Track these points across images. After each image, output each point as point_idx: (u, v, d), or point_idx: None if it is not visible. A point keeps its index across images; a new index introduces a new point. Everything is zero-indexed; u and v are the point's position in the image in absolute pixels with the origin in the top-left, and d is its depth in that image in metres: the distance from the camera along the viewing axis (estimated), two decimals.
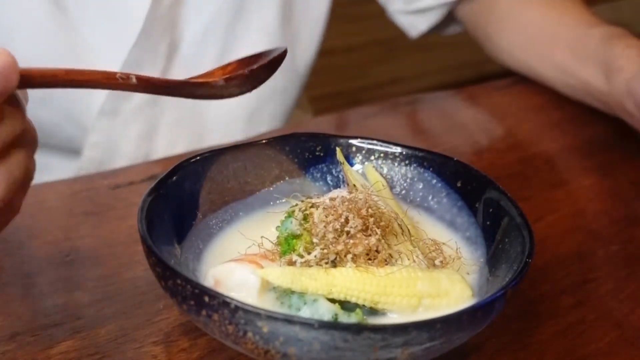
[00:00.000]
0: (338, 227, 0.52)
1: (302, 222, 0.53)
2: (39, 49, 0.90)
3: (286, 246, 0.52)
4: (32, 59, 0.91)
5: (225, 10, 0.95)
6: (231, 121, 1.02)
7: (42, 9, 0.87)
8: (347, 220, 0.52)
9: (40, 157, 0.99)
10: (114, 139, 0.95)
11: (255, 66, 0.58)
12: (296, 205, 0.54)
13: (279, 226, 0.54)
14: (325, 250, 0.51)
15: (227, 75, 0.57)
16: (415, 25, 1.11)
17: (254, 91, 1.08)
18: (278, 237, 0.54)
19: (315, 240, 0.51)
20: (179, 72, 0.95)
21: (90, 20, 0.90)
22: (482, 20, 1.08)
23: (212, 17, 0.95)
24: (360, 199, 0.54)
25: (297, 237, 0.52)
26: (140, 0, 0.89)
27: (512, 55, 1.05)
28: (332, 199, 0.54)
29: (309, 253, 0.51)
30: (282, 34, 1.01)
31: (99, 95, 0.92)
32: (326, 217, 0.52)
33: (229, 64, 0.59)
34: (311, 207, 0.53)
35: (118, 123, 0.94)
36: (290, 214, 0.54)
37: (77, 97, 0.93)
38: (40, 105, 0.92)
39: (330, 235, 0.51)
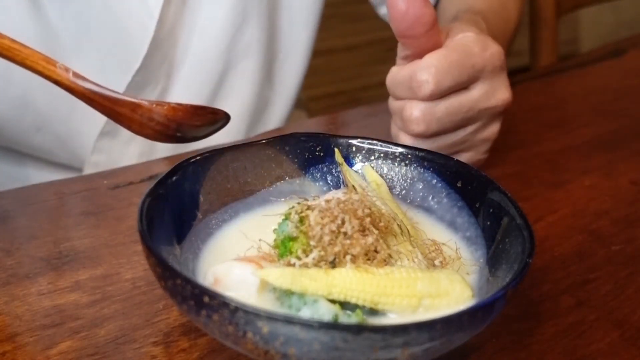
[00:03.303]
0: (334, 228, 0.51)
1: (299, 224, 0.53)
2: (35, 75, 0.89)
3: (283, 249, 0.52)
4: (29, 84, 0.91)
5: (227, 29, 0.95)
6: (229, 136, 1.02)
7: (37, 38, 0.87)
8: (343, 222, 0.52)
9: (42, 173, 1.00)
10: (114, 158, 0.95)
11: (197, 123, 0.61)
12: (292, 207, 0.54)
13: (276, 229, 0.54)
14: (322, 253, 0.51)
15: (169, 113, 0.59)
16: None
17: (249, 107, 1.09)
18: (275, 240, 0.54)
19: (312, 242, 0.51)
20: (179, 91, 0.96)
21: (88, 49, 0.89)
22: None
23: (214, 36, 0.95)
24: (356, 200, 0.54)
25: (293, 239, 0.52)
26: (144, 28, 0.88)
27: None
28: (327, 201, 0.54)
29: (307, 255, 0.51)
30: (270, 50, 1.01)
31: (95, 123, 0.92)
32: (322, 219, 0.52)
33: (181, 106, 0.61)
34: (307, 209, 0.53)
35: (118, 143, 0.95)
36: (286, 217, 0.54)
37: (72, 125, 0.93)
38: (36, 131, 0.92)
39: (326, 237, 0.51)
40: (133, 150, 0.96)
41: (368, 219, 0.53)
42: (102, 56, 0.90)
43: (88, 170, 0.95)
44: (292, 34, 1.03)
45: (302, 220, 0.53)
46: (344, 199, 0.54)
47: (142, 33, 0.88)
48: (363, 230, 0.52)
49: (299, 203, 0.55)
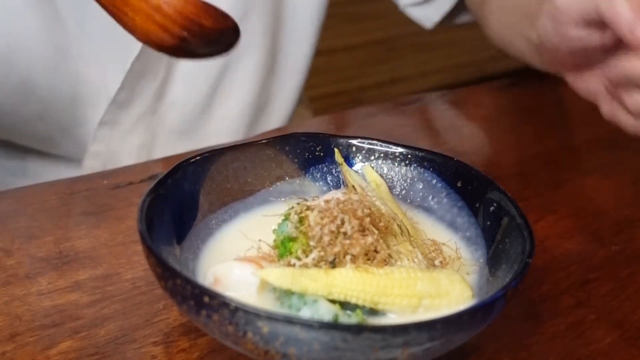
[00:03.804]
0: (334, 229, 0.51)
1: (298, 224, 0.53)
2: (37, 60, 0.89)
3: (283, 249, 0.52)
4: (31, 70, 0.91)
5: None
6: (231, 132, 1.02)
7: (40, 22, 0.87)
8: (342, 222, 0.52)
9: (42, 166, 1.00)
10: (114, 148, 0.95)
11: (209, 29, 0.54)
12: (292, 208, 0.55)
13: (276, 229, 0.54)
14: (322, 253, 0.51)
15: (179, 3, 0.53)
16: (428, 16, 1.10)
17: (250, 104, 1.08)
18: (275, 240, 0.54)
19: (312, 243, 0.51)
20: (179, 84, 0.96)
21: (91, 34, 0.90)
22: (479, 2, 1.06)
23: None
24: (356, 200, 0.54)
25: (293, 239, 0.52)
26: None
27: (500, 35, 1.01)
28: (326, 201, 0.54)
29: (307, 256, 0.51)
30: (272, 46, 1.01)
31: (97, 111, 0.92)
32: (322, 219, 0.52)
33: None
34: (307, 209, 0.53)
35: (118, 133, 0.95)
36: (286, 217, 0.54)
37: (75, 113, 0.93)
38: (38, 120, 0.92)
39: (326, 238, 0.51)
40: (133, 141, 0.96)
41: (368, 219, 0.53)
42: (104, 42, 0.90)
43: (88, 160, 0.95)
44: (296, 29, 1.03)
45: (301, 220, 0.53)
46: (343, 199, 0.54)
47: None
48: (363, 230, 0.52)
49: (298, 203, 0.55)
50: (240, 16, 0.95)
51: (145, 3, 0.52)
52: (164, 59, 0.93)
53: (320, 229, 0.51)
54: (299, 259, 0.51)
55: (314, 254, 0.51)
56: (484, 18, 1.05)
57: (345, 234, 0.52)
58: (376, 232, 0.53)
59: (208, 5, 0.54)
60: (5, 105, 0.91)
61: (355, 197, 0.54)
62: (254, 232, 0.57)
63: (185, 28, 0.52)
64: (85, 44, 0.89)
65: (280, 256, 0.53)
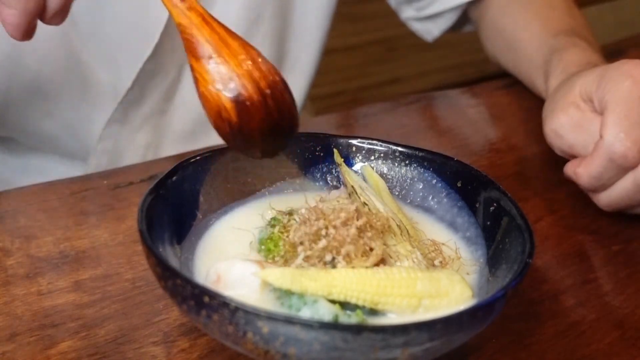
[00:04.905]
0: (314, 230, 0.52)
1: (280, 233, 0.53)
2: (47, 59, 0.89)
3: (267, 252, 0.53)
4: (41, 69, 0.91)
5: (242, 22, 0.95)
6: None
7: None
8: (326, 227, 0.52)
9: (46, 164, 1.00)
10: (121, 146, 0.95)
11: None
12: (273, 218, 0.56)
13: (253, 241, 0.56)
14: (309, 252, 0.51)
15: (272, 72, 0.54)
16: (429, 30, 1.12)
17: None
18: (259, 245, 0.55)
19: (299, 248, 0.52)
20: (189, 84, 0.95)
21: (104, 35, 0.90)
22: (479, 24, 1.09)
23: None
24: (340, 203, 0.54)
25: (273, 242, 0.53)
26: (157, 17, 0.88)
27: (497, 60, 1.06)
28: (309, 209, 0.54)
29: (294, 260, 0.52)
30: (281, 50, 1.02)
31: (104, 109, 0.92)
32: (304, 223, 0.52)
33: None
34: (290, 215, 0.54)
35: (126, 130, 0.95)
36: (272, 224, 0.55)
37: (82, 111, 0.94)
38: (45, 117, 0.92)
39: (308, 238, 0.52)
40: (140, 140, 0.96)
41: (344, 215, 0.53)
42: (117, 42, 0.90)
43: (94, 158, 0.95)
44: (304, 34, 1.04)
45: (279, 227, 0.54)
46: (323, 203, 0.54)
47: (155, 21, 0.88)
48: (344, 225, 0.53)
49: (274, 217, 0.56)
50: (252, 20, 0.96)
51: (245, 51, 0.54)
52: (175, 58, 0.93)
53: (304, 232, 0.52)
54: (285, 259, 0.52)
55: (299, 258, 0.51)
56: (482, 41, 1.08)
57: (326, 235, 0.52)
58: (355, 224, 0.53)
59: (288, 87, 0.56)
60: (13, 102, 0.91)
61: (339, 194, 0.55)
62: (254, 232, 0.57)
63: (270, 88, 0.54)
64: (98, 45, 0.89)
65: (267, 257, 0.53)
